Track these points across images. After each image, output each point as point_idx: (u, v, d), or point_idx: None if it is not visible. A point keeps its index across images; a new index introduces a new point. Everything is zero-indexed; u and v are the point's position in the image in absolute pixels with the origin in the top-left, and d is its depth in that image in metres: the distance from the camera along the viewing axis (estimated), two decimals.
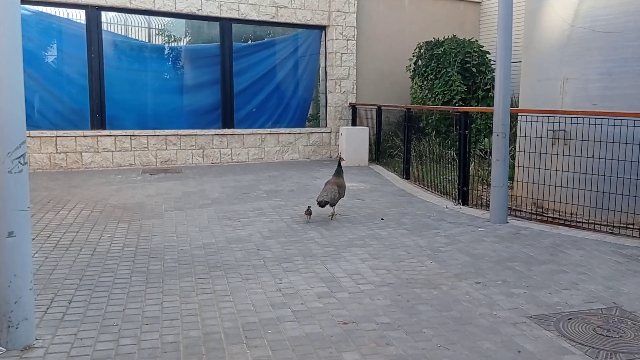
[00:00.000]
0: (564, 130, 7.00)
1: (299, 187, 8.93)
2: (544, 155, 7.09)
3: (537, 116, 7.06)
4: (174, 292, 4.21)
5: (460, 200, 7.74)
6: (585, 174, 6.62)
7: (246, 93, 12.46)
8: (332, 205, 6.59)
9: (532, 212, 7.13)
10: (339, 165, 7.11)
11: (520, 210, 7.21)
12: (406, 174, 10.00)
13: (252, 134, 12.21)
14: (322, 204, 6.44)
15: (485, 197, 7.94)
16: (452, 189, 8.31)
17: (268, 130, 12.41)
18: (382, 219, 6.83)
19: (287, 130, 12.66)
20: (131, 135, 11.11)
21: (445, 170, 9.08)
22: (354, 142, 11.62)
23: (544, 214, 6.99)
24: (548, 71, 7.48)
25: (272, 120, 12.84)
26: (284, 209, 7.32)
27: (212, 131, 11.84)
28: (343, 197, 6.91)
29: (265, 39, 12.95)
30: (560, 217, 6.76)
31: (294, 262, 5.01)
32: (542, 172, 7.03)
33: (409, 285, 4.45)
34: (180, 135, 11.53)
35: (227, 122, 12.12)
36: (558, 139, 7.06)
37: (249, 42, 12.71)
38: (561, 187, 6.81)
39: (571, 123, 6.76)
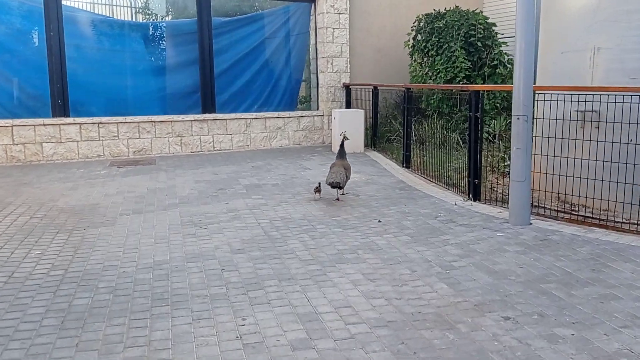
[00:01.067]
0: (595, 111, 5.83)
1: (285, 181, 7.78)
2: (571, 142, 5.94)
3: (562, 94, 5.87)
4: (93, 344, 3.07)
5: (471, 195, 6.59)
6: (626, 163, 5.43)
7: (228, 74, 11.23)
8: (342, 187, 6.61)
9: (558, 209, 6.00)
10: (342, 147, 7.02)
11: (544, 207, 6.06)
12: (406, 162, 8.85)
13: (236, 119, 11.00)
14: (333, 185, 6.48)
15: (499, 191, 6.81)
16: (459, 180, 7.18)
17: (254, 115, 11.20)
18: (379, 221, 5.70)
19: (275, 114, 11.43)
20: (99, 123, 9.92)
21: (450, 157, 7.93)
22: (347, 126, 10.29)
23: (573, 212, 5.86)
24: (574, 41, 6.29)
25: (259, 103, 11.62)
26: (264, 209, 6.19)
27: (190, 117, 10.63)
28: (349, 178, 6.84)
29: (249, 14, 11.71)
30: (593, 216, 5.63)
31: (265, 290, 3.88)
32: (567, 161, 5.89)
33: (416, 325, 3.33)
34: (154, 121, 10.33)
35: (208, 106, 10.91)
36: (590, 121, 5.90)
37: (233, 16, 11.47)
38: (595, 179, 5.62)
39: (607, 102, 5.59)
